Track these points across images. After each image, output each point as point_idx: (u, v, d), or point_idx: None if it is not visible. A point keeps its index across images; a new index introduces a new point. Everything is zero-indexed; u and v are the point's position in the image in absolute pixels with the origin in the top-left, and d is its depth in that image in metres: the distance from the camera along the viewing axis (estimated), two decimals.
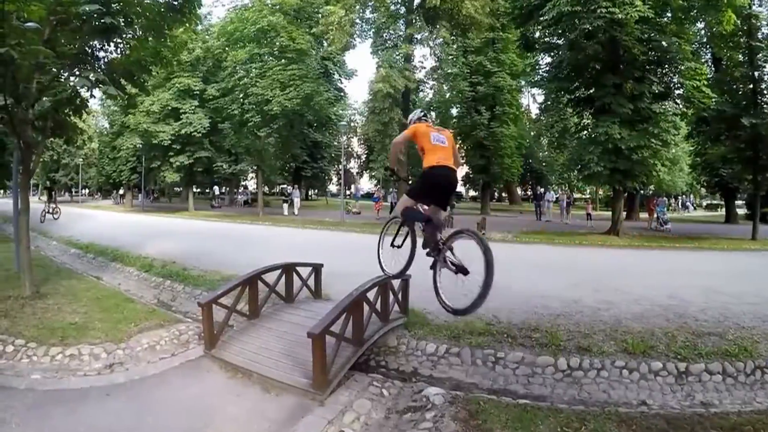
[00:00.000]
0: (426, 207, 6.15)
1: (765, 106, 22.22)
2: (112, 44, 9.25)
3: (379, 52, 30.71)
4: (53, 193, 25.14)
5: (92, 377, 6.42)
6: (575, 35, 20.31)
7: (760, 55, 22.42)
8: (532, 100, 49.95)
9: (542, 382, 7.05)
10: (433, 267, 6.05)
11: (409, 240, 6.59)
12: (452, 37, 27.40)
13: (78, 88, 8.65)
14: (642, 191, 35.61)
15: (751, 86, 22.83)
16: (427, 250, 6.06)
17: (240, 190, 56.11)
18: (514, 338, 7.82)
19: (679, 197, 44.56)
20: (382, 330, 7.63)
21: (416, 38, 28.84)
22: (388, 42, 30.80)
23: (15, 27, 7.43)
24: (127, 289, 12.51)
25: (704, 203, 61.71)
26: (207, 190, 60.24)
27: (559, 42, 23.48)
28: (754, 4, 22.47)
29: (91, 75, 8.18)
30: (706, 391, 6.83)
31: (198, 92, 35.38)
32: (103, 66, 9.12)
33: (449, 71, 29.50)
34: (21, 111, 8.77)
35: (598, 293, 10.29)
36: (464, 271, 5.72)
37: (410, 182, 6.90)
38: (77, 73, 8.60)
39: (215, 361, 6.95)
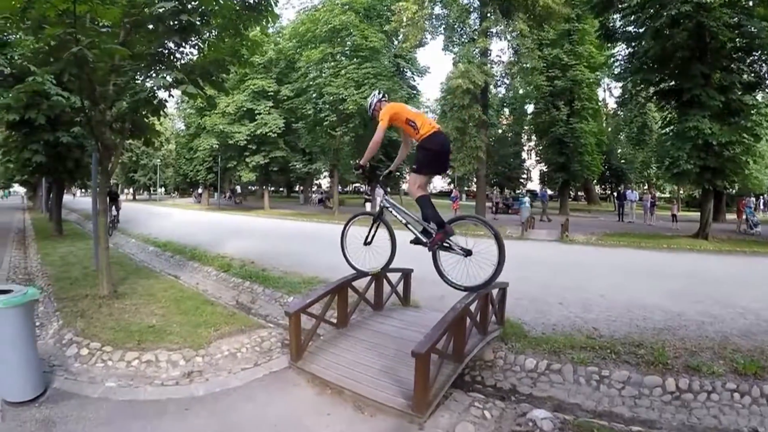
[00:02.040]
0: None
1: None
2: (188, 45, 8.85)
3: (455, 47, 29.99)
4: (117, 198, 21.24)
5: (170, 387, 5.82)
6: (660, 22, 19.07)
7: None
8: (608, 95, 48.41)
9: (649, 404, 6.36)
10: (434, 253, 6.20)
11: (385, 233, 6.80)
12: (529, 30, 26.10)
13: (155, 88, 8.19)
14: (728, 190, 32.90)
15: None
16: (426, 240, 6.14)
17: (314, 189, 56.32)
18: (617, 354, 7.11)
19: (762, 196, 41.48)
20: (482, 343, 6.83)
21: (491, 32, 27.68)
22: (464, 37, 29.92)
23: (88, 28, 7.12)
24: (205, 289, 12.20)
25: None
26: (281, 189, 60.88)
27: (641, 31, 21.97)
28: None
29: (169, 75, 7.68)
30: None
31: (272, 93, 35.91)
32: (180, 66, 8.66)
33: (527, 65, 28.14)
34: (98, 113, 8.50)
35: (700, 304, 9.52)
36: (469, 253, 5.93)
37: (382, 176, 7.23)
38: (154, 75, 8.15)
39: (302, 374, 6.23)
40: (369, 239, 6.89)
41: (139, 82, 8.79)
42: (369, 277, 7.76)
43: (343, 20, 29.63)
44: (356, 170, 6.86)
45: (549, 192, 40.52)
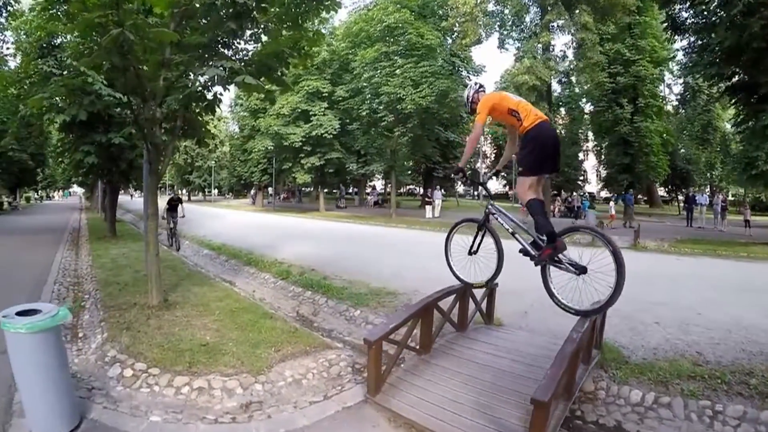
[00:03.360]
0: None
1: None
2: (245, 36, 8.12)
3: (515, 43, 29.65)
4: (178, 204, 18.19)
5: (225, 426, 4.87)
6: (736, 10, 17.22)
7: None
8: (668, 91, 46.14)
9: None
10: (543, 268, 5.44)
11: (491, 243, 6.07)
12: (593, 22, 24.90)
13: (209, 82, 7.39)
14: None
15: None
16: (535, 253, 5.32)
17: (369, 191, 55.81)
18: (728, 385, 6.18)
19: None
20: (587, 374, 5.87)
21: (553, 26, 26.86)
22: (523, 32, 29.35)
23: (130, 12, 6.41)
24: (263, 298, 11.34)
25: None
26: (334, 191, 60.66)
27: (713, 21, 20.12)
28: None
29: (224, 63, 6.82)
30: None
31: (326, 94, 35.53)
32: (236, 59, 7.83)
33: (593, 60, 26.67)
34: (147, 110, 7.81)
35: None
36: (583, 270, 5.05)
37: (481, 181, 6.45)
38: (207, 67, 7.28)
39: (381, 410, 5.20)
40: (474, 248, 6.23)
41: (192, 77, 8.01)
42: (453, 294, 6.82)
43: (397, 18, 28.99)
44: (455, 174, 5.85)
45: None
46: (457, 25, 29.25)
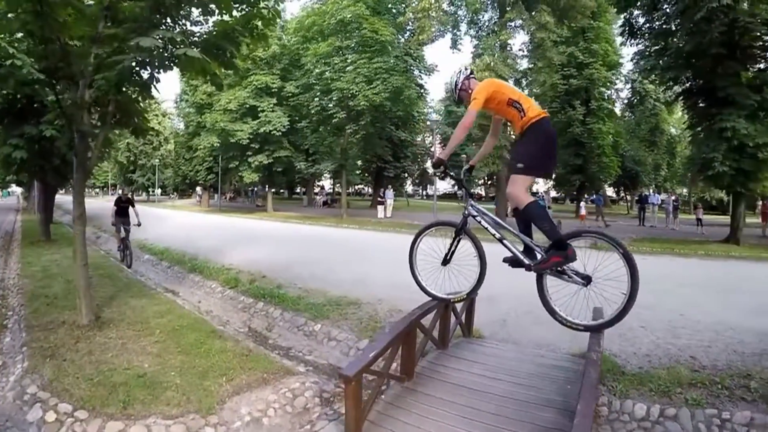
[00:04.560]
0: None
1: None
2: (192, 16, 7.22)
3: (473, 41, 29.10)
4: (128, 206, 14.75)
5: None
6: (699, 16, 17.86)
7: None
8: (616, 95, 47.03)
9: None
10: (539, 279, 4.71)
11: (470, 248, 5.10)
12: (553, 22, 24.90)
13: (145, 57, 6.33)
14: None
15: None
16: (530, 262, 4.58)
17: (317, 191, 54.86)
18: (730, 390, 5.88)
19: None
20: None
21: (512, 25, 26.55)
22: (481, 31, 28.88)
23: None
24: (209, 310, 10.30)
25: None
26: (282, 190, 59.39)
27: (672, 27, 21.15)
28: None
29: (163, 33, 5.83)
30: None
31: (276, 90, 34.25)
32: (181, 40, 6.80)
33: (553, 60, 26.75)
34: (74, 92, 6.74)
35: None
36: (589, 280, 4.42)
37: (463, 179, 5.24)
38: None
39: None
40: (449, 256, 5.21)
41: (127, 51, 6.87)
42: (435, 310, 6.01)
43: (352, 12, 28.16)
44: (435, 167, 5.06)
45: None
46: (412, 21, 28.71)
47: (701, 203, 39.69)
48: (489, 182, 69.57)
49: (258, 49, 28.83)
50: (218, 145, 37.62)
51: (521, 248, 4.71)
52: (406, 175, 53.72)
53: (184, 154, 49.19)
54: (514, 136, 23.56)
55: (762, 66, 19.68)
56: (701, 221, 27.96)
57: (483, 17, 28.70)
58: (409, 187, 68.57)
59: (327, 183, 66.71)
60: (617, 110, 46.00)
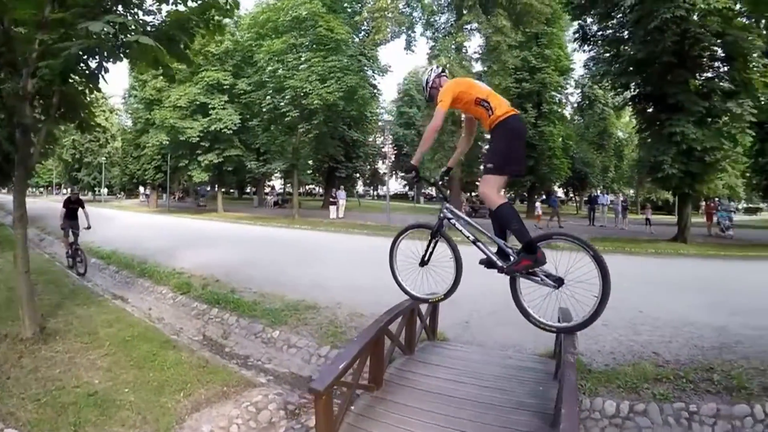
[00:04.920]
0: None
1: None
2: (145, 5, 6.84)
3: (431, 42, 28.95)
4: (78, 207, 13.63)
5: None
6: (652, 26, 18.85)
7: None
8: (565, 100, 48.51)
9: None
10: (513, 281, 4.66)
11: (447, 251, 5.11)
12: (510, 27, 25.27)
13: (94, 44, 5.93)
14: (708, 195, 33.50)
15: None
16: (503, 264, 4.56)
17: (268, 191, 54.01)
18: (694, 383, 6.27)
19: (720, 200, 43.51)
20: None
21: (468, 28, 26.87)
22: (437, 33, 28.93)
23: None
24: (161, 317, 9.81)
25: (742, 207, 60.23)
26: (232, 190, 58.25)
27: (623, 35, 22.59)
28: None
29: (114, 18, 5.47)
30: None
31: (228, 87, 33.49)
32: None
33: (508, 63, 27.13)
34: (15, 81, 6.28)
35: (738, 316, 8.91)
36: (561, 282, 4.39)
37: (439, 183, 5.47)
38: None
39: None
40: (426, 258, 5.25)
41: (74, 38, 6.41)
42: (401, 315, 5.84)
43: (308, 9, 27.78)
44: (408, 173, 5.01)
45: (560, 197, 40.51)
46: (368, 21, 28.75)
47: (649, 204, 40.83)
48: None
49: (210, 44, 28.38)
50: (167, 143, 36.35)
51: (495, 250, 4.68)
52: (358, 175, 53.50)
53: (131, 152, 47.35)
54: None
55: (710, 75, 20.78)
56: (650, 221, 29.46)
57: (440, 19, 28.91)
58: (360, 188, 68.41)
59: (278, 183, 65.80)
60: (567, 114, 47.62)
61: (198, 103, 32.87)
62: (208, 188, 52.21)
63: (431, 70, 4.98)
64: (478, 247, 4.77)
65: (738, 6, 19.74)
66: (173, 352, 6.63)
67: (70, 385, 5.30)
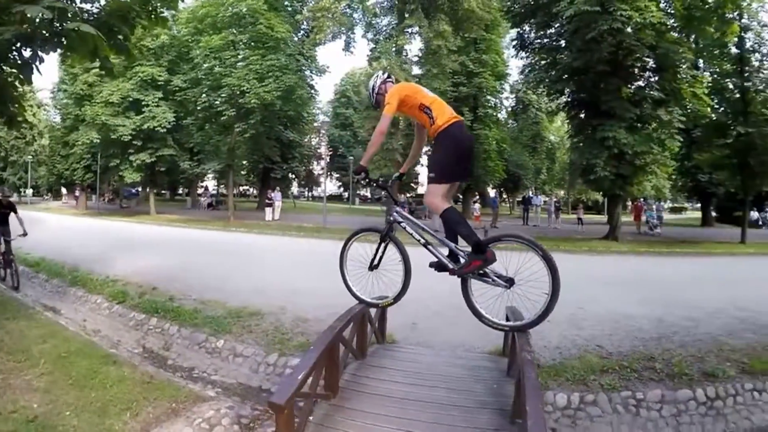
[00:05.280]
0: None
1: (754, 115, 22.42)
2: None
3: (372, 44, 29.27)
4: (9, 212, 11.99)
5: None
6: (589, 36, 19.78)
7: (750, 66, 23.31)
8: (506, 103, 50.74)
9: (690, 420, 6.31)
10: (464, 283, 4.68)
11: (396, 254, 5.07)
12: (450, 31, 25.75)
13: (27, 28, 5.57)
14: (637, 196, 35.52)
15: (739, 95, 23.54)
16: (454, 266, 4.59)
17: (201, 192, 52.57)
18: (638, 372, 6.88)
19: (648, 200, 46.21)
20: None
21: (409, 31, 27.36)
22: (378, 35, 29.21)
23: None
24: (97, 329, 9.29)
25: (667, 207, 62.67)
26: (163, 192, 56.46)
27: (560, 44, 23.86)
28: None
29: (51, 2, 5.14)
30: None
31: (162, 83, 32.01)
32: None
33: (446, 66, 27.51)
34: None
35: (671, 308, 9.74)
36: (512, 282, 4.47)
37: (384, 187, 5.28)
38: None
39: None
40: (376, 262, 5.22)
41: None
42: (353, 321, 5.76)
43: (249, 5, 27.16)
44: (356, 174, 4.91)
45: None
46: (309, 20, 28.79)
47: (581, 204, 42.39)
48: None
49: (146, 37, 27.32)
50: (98, 141, 34.41)
51: (446, 253, 4.71)
52: (294, 176, 52.90)
53: (59, 150, 44.48)
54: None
55: (641, 84, 22.26)
56: (581, 220, 30.87)
57: (381, 21, 29.18)
58: (294, 189, 67.81)
59: (211, 184, 64.22)
60: (502, 117, 48.94)
61: (131, 99, 31.36)
62: (136, 189, 50.05)
63: (377, 76, 5.01)
64: (429, 249, 4.79)
65: (671, 21, 21.19)
66: (114, 367, 6.30)
67: (6, 410, 4.91)
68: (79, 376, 5.86)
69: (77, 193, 45.98)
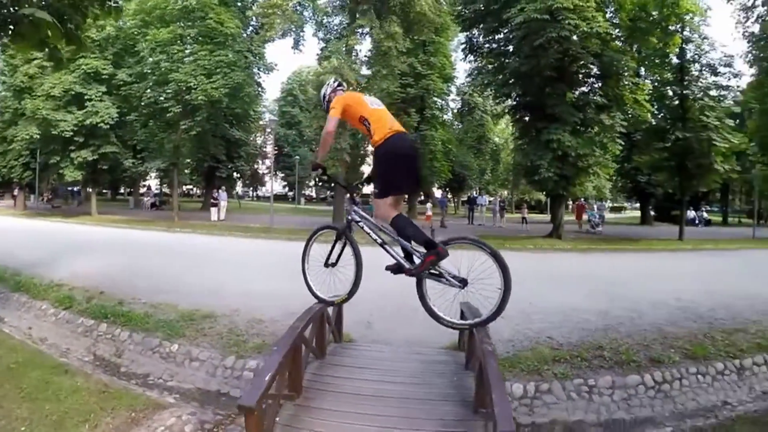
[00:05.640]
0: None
1: (692, 121, 23.74)
2: None
3: (322, 42, 29.28)
4: None
5: None
6: (537, 43, 20.49)
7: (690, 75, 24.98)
8: (452, 105, 51.66)
9: (640, 403, 6.89)
10: (419, 283, 4.77)
11: (350, 254, 5.19)
12: (401, 33, 25.94)
13: None
14: (579, 196, 37.43)
15: (678, 102, 25.27)
16: (410, 266, 4.68)
17: (143, 191, 51.06)
18: (588, 361, 7.39)
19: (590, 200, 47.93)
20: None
21: (359, 31, 27.31)
22: (329, 34, 29.30)
23: None
24: (44, 337, 8.90)
25: (608, 206, 65.10)
26: (104, 191, 54.55)
27: (509, 49, 24.54)
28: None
29: None
30: (760, 382, 7.60)
31: (107, 76, 30.49)
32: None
33: (396, 67, 27.62)
34: None
35: (616, 301, 10.36)
36: (464, 282, 4.60)
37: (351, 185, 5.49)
38: None
39: None
40: (333, 260, 5.37)
41: None
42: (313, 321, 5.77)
43: None
44: (313, 170, 5.20)
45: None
46: (259, 17, 28.13)
47: (525, 203, 43.34)
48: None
49: (90, 28, 26.24)
50: (38, 136, 32.31)
51: (402, 254, 4.80)
52: (239, 175, 52.05)
53: None
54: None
55: (585, 89, 23.38)
56: (526, 219, 32.09)
57: (333, 21, 29.26)
58: (239, 188, 66.86)
59: (154, 183, 62.47)
60: (448, 119, 49.40)
61: (73, 93, 29.74)
62: (78, 189, 47.74)
63: (328, 84, 5.23)
64: (386, 250, 4.90)
65: (617, 31, 22.35)
66: (67, 377, 6.11)
67: None
68: (31, 388, 5.66)
69: (16, 192, 43.65)
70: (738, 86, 27.17)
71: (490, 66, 26.03)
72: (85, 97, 29.86)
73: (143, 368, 7.65)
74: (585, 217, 33.30)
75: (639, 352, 7.64)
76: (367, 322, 8.59)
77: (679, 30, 23.86)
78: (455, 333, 7.24)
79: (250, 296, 10.01)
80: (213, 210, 32.00)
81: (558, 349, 7.72)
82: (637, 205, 52.12)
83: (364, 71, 28.06)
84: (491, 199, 43.64)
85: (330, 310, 6.47)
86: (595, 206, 35.77)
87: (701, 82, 25.01)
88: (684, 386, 7.21)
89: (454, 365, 6.25)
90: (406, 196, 4.66)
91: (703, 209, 48.34)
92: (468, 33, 26.71)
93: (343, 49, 26.10)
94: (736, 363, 7.73)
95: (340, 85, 5.21)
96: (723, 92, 25.53)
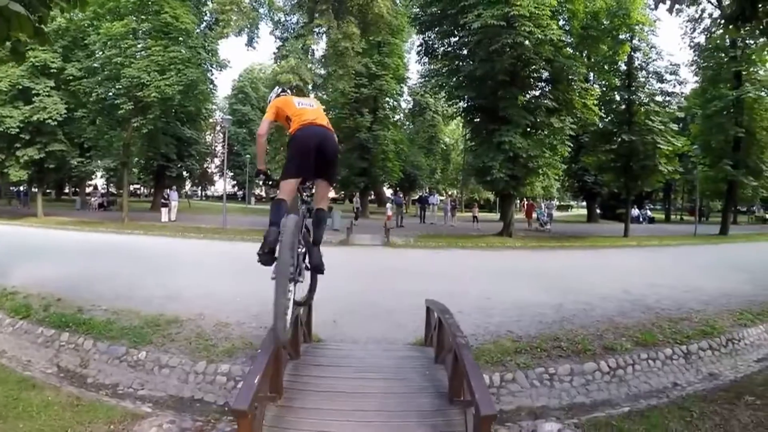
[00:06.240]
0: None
1: (638, 124, 25.61)
2: None
3: (279, 41, 29.24)
4: None
5: None
6: (492, 48, 21.16)
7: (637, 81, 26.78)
8: (403, 105, 52.30)
9: (597, 387, 7.47)
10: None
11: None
12: (358, 34, 26.09)
13: None
14: (529, 195, 38.17)
15: (625, 107, 27.07)
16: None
17: (90, 191, 49.32)
18: (547, 351, 7.98)
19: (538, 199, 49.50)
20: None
21: (316, 31, 27.51)
22: (285, 33, 29.24)
23: None
24: (1, 349, 8.47)
25: (555, 204, 66.94)
26: (49, 191, 52.54)
27: (463, 52, 25.30)
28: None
29: None
30: (705, 364, 8.39)
31: (55, 71, 28.99)
32: None
33: (352, 67, 27.68)
34: None
35: (570, 295, 11.06)
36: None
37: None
38: None
39: None
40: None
41: None
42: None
43: None
44: (257, 176, 5.52)
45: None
46: (215, 13, 28.20)
47: (475, 202, 43.99)
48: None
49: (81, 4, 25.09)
50: None
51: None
52: (188, 174, 50.91)
53: None
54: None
55: (536, 93, 24.33)
56: (477, 218, 32.61)
57: (290, 19, 29.44)
58: (188, 187, 65.59)
59: (100, 182, 60.29)
60: (400, 119, 50.48)
61: (20, 87, 28.15)
62: (25, 189, 45.17)
63: (274, 91, 5.34)
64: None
65: (569, 38, 23.35)
66: (35, 392, 5.94)
67: None
68: (0, 407, 5.47)
69: None
70: (682, 93, 29.37)
71: (445, 68, 26.47)
72: (33, 92, 28.29)
73: (111, 378, 7.46)
74: (534, 215, 34.54)
75: (593, 342, 8.27)
76: (333, 321, 8.86)
77: (629, 39, 25.37)
78: (417, 330, 8.12)
79: (211, 299, 9.99)
80: (164, 210, 31.20)
81: (518, 341, 8.24)
82: (584, 203, 54.14)
83: (321, 71, 28.16)
84: (443, 198, 44.38)
85: (301, 310, 6.43)
86: (543, 205, 36.66)
87: (647, 89, 26.79)
88: (637, 371, 7.87)
89: (424, 360, 6.55)
90: (302, 181, 4.47)
91: (647, 207, 51.08)
92: (424, 35, 27.09)
93: (301, 48, 26.08)
94: (683, 348, 8.48)
95: (283, 91, 5.30)
96: (668, 98, 27.57)
